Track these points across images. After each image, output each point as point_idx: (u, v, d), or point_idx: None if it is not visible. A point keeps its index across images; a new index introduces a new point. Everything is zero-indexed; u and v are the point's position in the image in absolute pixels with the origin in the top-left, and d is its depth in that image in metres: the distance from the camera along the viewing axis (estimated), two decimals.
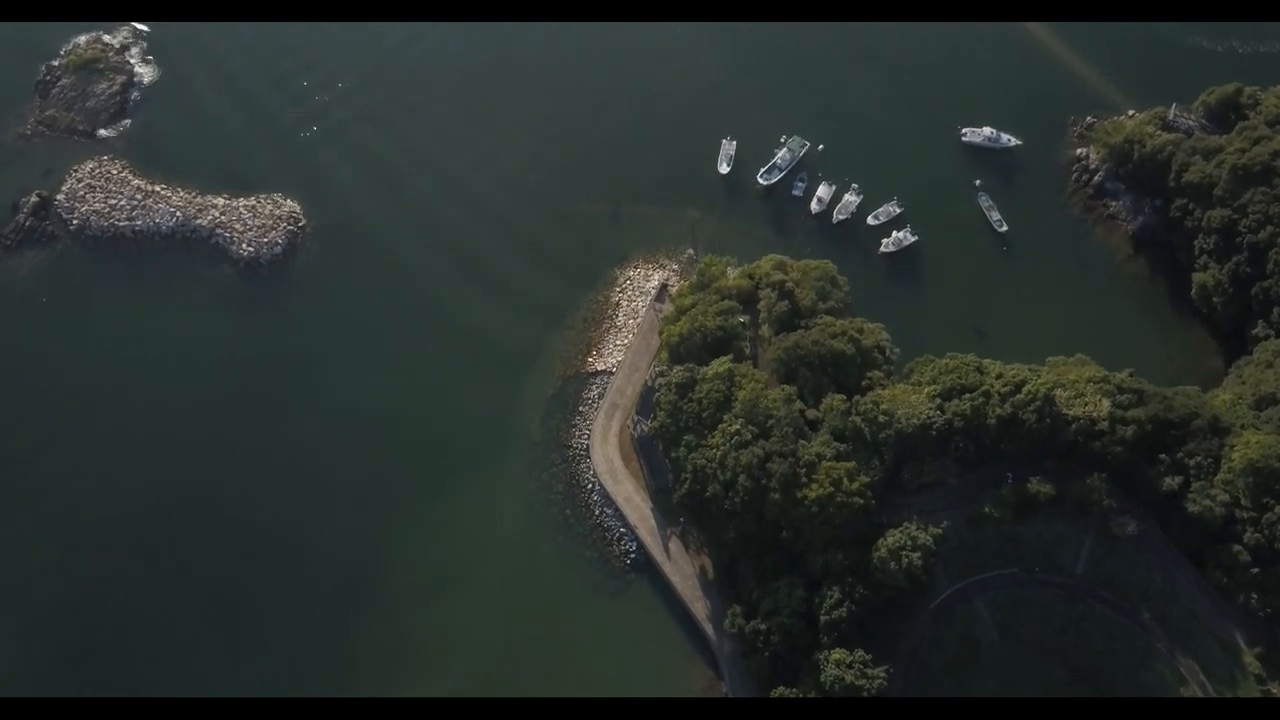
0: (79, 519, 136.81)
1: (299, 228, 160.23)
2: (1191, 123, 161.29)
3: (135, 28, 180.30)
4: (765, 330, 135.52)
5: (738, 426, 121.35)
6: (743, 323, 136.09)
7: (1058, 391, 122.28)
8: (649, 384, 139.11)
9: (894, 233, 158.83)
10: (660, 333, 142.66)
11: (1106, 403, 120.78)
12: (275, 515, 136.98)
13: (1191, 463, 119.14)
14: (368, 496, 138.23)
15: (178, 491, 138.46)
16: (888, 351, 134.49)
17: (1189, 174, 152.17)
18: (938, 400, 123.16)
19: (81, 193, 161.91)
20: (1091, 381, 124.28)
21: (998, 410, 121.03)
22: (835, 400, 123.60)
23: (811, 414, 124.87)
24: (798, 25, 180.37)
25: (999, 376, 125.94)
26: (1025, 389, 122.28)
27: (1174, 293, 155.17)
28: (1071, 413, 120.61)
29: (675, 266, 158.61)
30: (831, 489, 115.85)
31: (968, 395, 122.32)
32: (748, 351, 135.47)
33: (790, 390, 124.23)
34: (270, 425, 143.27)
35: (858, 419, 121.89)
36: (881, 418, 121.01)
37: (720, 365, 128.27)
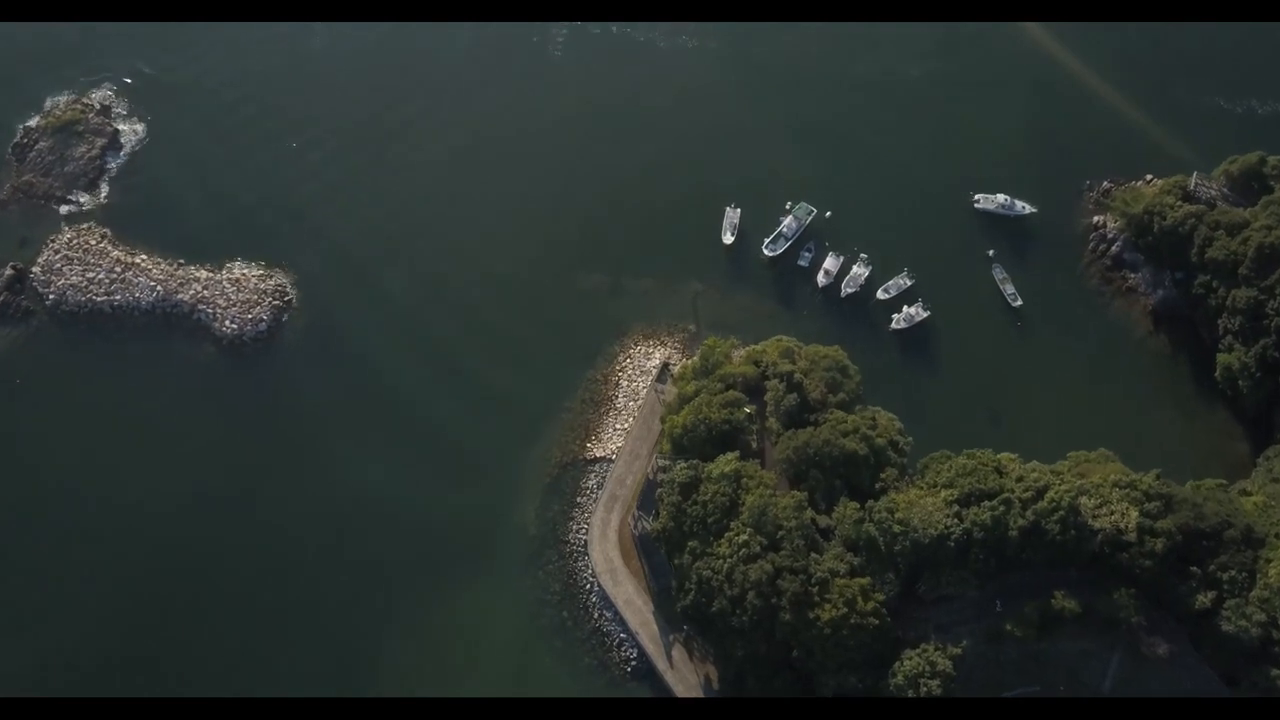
0: (45, 614, 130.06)
1: (284, 303, 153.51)
2: (1213, 192, 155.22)
3: (116, 86, 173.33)
4: (773, 422, 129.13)
5: (745, 537, 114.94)
6: (749, 414, 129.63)
7: (1082, 499, 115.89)
8: (650, 476, 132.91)
9: (905, 308, 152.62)
10: (662, 420, 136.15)
11: (1134, 512, 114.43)
12: (253, 617, 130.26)
13: (1225, 577, 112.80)
14: (352, 597, 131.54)
15: (151, 587, 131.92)
16: (901, 444, 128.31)
17: (1212, 250, 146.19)
18: (955, 507, 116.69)
19: (58, 265, 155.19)
20: (1117, 486, 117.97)
21: (1019, 521, 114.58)
22: (848, 508, 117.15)
23: (823, 521, 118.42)
24: (804, 85, 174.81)
25: (1019, 479, 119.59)
26: (1048, 496, 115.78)
27: (1197, 372, 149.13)
28: (1097, 524, 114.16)
29: (677, 343, 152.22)
30: (845, 609, 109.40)
31: (987, 503, 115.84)
32: (754, 445, 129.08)
33: (800, 497, 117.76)
34: (250, 519, 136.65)
35: (872, 528, 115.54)
36: (896, 527, 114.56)
37: (726, 464, 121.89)
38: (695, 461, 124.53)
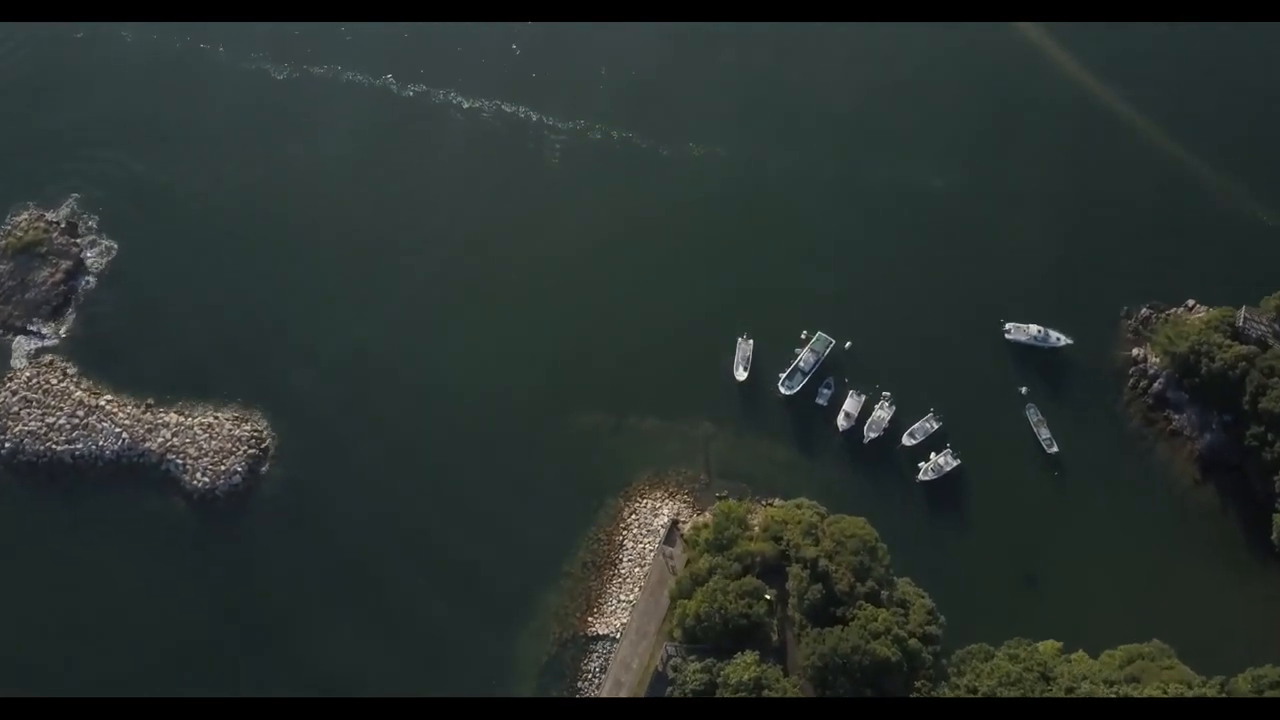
0: None
1: (261, 451, 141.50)
2: (1264, 328, 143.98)
3: (83, 199, 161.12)
4: (795, 613, 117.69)
5: None
6: (769, 602, 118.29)
7: None
8: (660, 667, 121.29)
9: (933, 456, 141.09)
10: (672, 597, 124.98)
11: None
12: None
13: None
14: None
15: None
16: (934, 633, 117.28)
17: (1267, 400, 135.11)
18: None
19: (15, 408, 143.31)
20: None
21: None
22: None
23: None
24: (818, 200, 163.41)
25: (1070, 691, 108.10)
26: None
27: (1250, 530, 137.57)
28: None
29: (687, 496, 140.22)
30: None
31: None
32: (775, 638, 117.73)
33: None
34: (219, 691, 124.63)
35: None
36: None
37: (745, 669, 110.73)
38: (709, 662, 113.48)
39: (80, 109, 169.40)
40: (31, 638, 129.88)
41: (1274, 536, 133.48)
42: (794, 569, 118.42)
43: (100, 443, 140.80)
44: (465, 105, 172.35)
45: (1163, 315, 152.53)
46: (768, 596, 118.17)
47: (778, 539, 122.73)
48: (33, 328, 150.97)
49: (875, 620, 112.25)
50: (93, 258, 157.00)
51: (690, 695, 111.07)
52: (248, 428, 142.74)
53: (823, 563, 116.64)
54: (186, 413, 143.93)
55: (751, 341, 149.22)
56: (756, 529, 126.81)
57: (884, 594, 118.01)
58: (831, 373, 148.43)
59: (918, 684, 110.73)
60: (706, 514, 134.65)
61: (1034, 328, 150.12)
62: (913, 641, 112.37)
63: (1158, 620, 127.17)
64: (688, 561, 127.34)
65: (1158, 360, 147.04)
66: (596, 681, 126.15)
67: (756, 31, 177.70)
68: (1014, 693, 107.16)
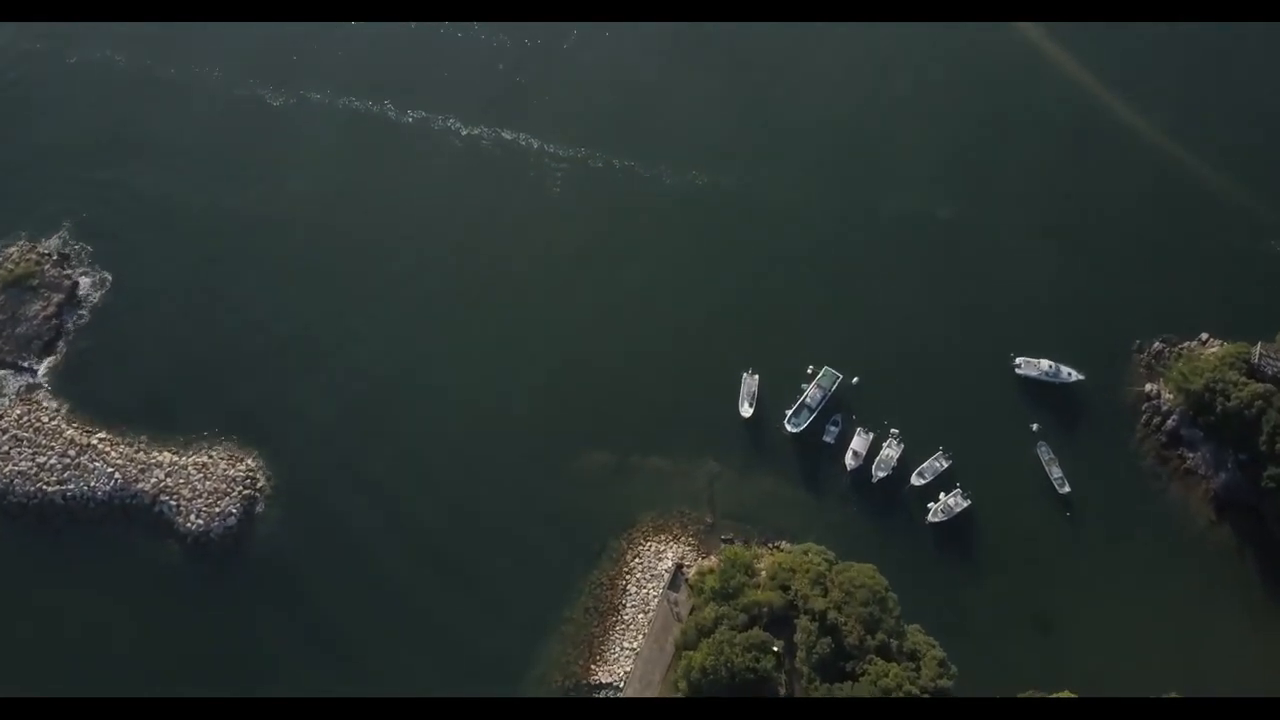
0: None
1: (256, 491, 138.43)
2: None
3: (76, 227, 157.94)
4: (803, 666, 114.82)
5: None
6: (777, 654, 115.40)
7: None
8: None
9: (942, 496, 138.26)
10: (677, 646, 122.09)
11: None
12: None
13: None
14: None
15: None
16: (945, 683, 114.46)
17: None
18: None
19: (5, 448, 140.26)
20: None
21: None
22: None
23: None
24: (824, 231, 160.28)
25: None
26: None
27: (1266, 573, 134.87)
28: None
29: (691, 538, 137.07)
30: None
31: None
32: (782, 692, 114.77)
33: None
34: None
35: None
36: None
37: None
38: None
39: (73, 134, 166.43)
40: (19, 679, 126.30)
41: None
42: (802, 621, 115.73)
43: (92, 483, 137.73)
44: (464, 132, 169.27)
45: (1176, 349, 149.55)
46: (775, 649, 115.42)
47: (785, 588, 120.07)
48: (23, 363, 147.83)
49: (886, 676, 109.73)
50: (86, 289, 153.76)
51: None
52: (243, 467, 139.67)
53: (832, 615, 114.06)
54: (180, 452, 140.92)
55: (757, 377, 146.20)
56: (763, 575, 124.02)
57: (894, 645, 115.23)
58: (839, 409, 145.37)
59: None
60: (712, 558, 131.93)
61: (1045, 363, 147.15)
62: (925, 699, 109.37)
63: (1173, 668, 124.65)
64: (693, 609, 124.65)
65: (1171, 397, 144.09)
66: None
67: (756, 32, 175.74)
68: None
